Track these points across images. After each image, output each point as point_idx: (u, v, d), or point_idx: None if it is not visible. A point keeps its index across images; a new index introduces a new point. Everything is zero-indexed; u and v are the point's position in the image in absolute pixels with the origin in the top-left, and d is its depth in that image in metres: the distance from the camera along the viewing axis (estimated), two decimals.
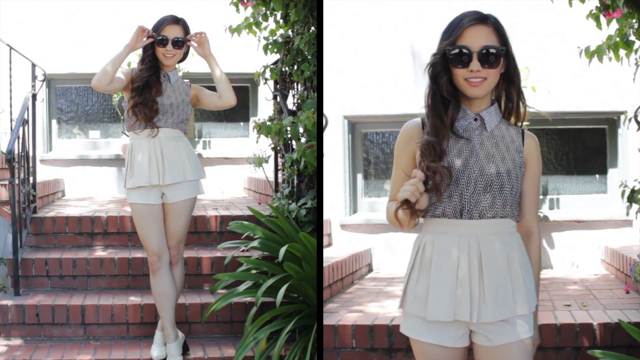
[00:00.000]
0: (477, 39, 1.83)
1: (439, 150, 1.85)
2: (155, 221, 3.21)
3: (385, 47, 5.13)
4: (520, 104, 1.93)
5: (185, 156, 3.23)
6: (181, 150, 3.22)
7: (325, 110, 3.56)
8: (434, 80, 1.88)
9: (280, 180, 4.55)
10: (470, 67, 1.82)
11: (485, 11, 1.95)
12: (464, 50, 1.82)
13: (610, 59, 3.55)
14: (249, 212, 4.09)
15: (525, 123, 5.02)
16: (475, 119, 1.90)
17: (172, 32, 3.15)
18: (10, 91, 4.80)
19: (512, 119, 1.96)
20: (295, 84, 4.15)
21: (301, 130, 3.47)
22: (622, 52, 3.53)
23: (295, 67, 3.99)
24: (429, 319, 1.88)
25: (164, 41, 3.14)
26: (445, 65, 1.86)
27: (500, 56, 1.84)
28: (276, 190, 4.48)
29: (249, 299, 3.48)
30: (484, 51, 1.82)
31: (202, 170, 3.32)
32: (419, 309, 1.90)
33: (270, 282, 3.15)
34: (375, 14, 5.21)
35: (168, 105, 3.20)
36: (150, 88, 3.16)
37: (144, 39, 3.12)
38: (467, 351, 1.97)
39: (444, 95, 1.87)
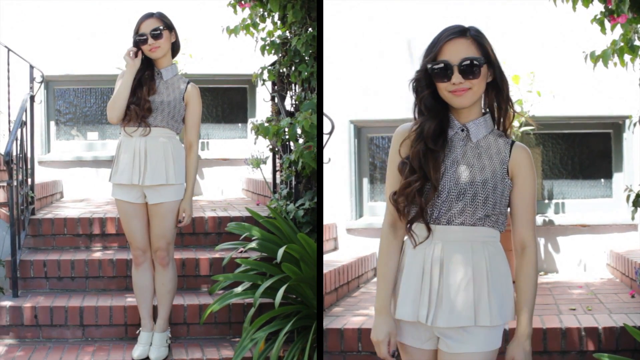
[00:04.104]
0: (456, 52, 1.91)
1: (417, 165, 1.95)
2: (138, 218, 3.32)
3: (392, 52, 5.21)
4: (510, 112, 2.00)
5: (171, 159, 3.28)
6: (167, 152, 3.28)
7: (331, 115, 3.64)
8: (415, 93, 2.00)
9: (278, 181, 4.63)
10: (452, 80, 1.91)
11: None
12: (445, 65, 1.91)
13: (615, 64, 3.59)
14: (247, 213, 4.16)
15: (530, 128, 5.08)
16: (462, 130, 1.98)
17: (148, 25, 3.25)
18: (9, 93, 4.90)
19: (503, 128, 2.02)
20: (293, 85, 4.21)
21: (299, 131, 3.54)
22: (627, 57, 3.58)
23: (293, 68, 4.05)
24: (396, 318, 2.02)
25: (144, 38, 3.24)
26: (428, 80, 1.96)
27: (480, 66, 1.92)
28: (274, 192, 4.53)
29: (247, 300, 3.53)
30: (464, 63, 1.91)
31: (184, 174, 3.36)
32: (393, 308, 2.04)
33: (268, 283, 3.21)
34: (382, 18, 5.28)
35: (158, 102, 3.27)
36: (142, 87, 3.25)
37: (137, 57, 3.24)
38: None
39: (421, 108, 1.99)
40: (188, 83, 3.37)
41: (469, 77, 1.91)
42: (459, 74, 1.91)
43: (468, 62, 1.91)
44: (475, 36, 1.95)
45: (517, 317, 1.96)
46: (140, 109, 3.22)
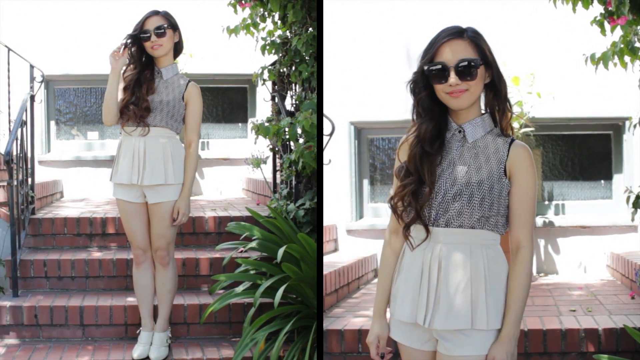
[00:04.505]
0: (453, 53, 1.92)
1: (412, 168, 1.98)
2: (138, 218, 3.35)
3: (392, 54, 5.23)
4: (507, 113, 2.00)
5: (170, 159, 3.29)
6: (166, 152, 3.29)
7: (331, 116, 3.67)
8: (413, 95, 2.02)
9: (278, 181, 4.66)
10: (449, 82, 1.91)
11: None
12: (441, 66, 1.92)
13: (615, 64, 3.61)
14: (247, 213, 4.19)
15: (530, 129, 5.11)
16: (459, 131, 1.99)
17: (153, 23, 3.26)
18: (9, 92, 4.93)
19: (500, 128, 2.02)
20: (293, 84, 4.24)
21: (299, 131, 3.56)
22: (627, 58, 3.60)
23: (293, 68, 4.08)
24: (395, 318, 2.04)
25: (147, 35, 3.25)
26: (425, 82, 1.97)
27: (477, 67, 1.92)
28: (274, 191, 4.57)
29: (247, 299, 3.55)
30: (461, 64, 1.91)
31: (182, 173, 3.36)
32: (392, 308, 2.07)
33: (268, 282, 3.23)
34: (383, 20, 5.31)
35: (157, 102, 3.27)
36: (140, 86, 3.25)
37: (122, 55, 3.23)
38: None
39: (419, 110, 2.00)
40: (189, 82, 3.37)
41: (466, 78, 1.91)
42: (455, 76, 1.91)
43: (465, 63, 1.91)
44: (472, 37, 1.95)
45: (504, 317, 1.93)
46: (138, 108, 3.24)
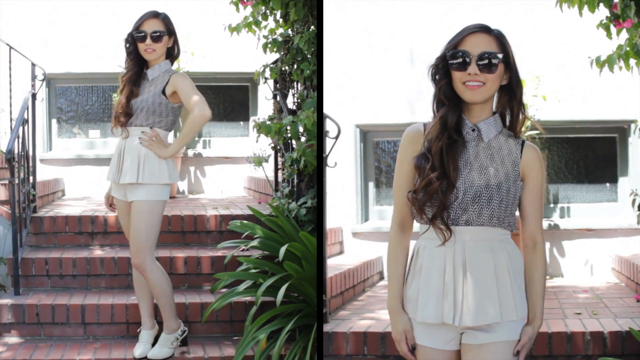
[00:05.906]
0: (477, 45, 1.98)
1: (437, 162, 2.00)
2: (127, 215, 3.38)
3: (398, 57, 5.28)
4: (520, 116, 2.06)
5: (143, 158, 3.25)
6: (140, 152, 3.27)
7: (337, 119, 3.72)
8: (434, 81, 2.06)
9: (280, 179, 4.69)
10: (468, 71, 1.97)
11: (496, 21, 2.13)
12: (463, 54, 1.97)
13: (620, 68, 3.65)
14: (249, 212, 4.21)
15: (536, 132, 5.15)
16: (473, 130, 2.03)
17: (151, 26, 3.26)
18: (10, 91, 4.97)
19: (514, 132, 2.07)
20: (295, 83, 4.29)
21: (301, 129, 3.61)
22: (632, 61, 3.62)
23: (295, 66, 4.13)
24: (418, 321, 2.07)
25: (143, 36, 3.25)
26: (446, 69, 2.02)
27: (498, 63, 1.98)
28: (276, 190, 4.62)
29: (249, 298, 3.60)
30: (483, 56, 1.96)
31: (165, 174, 3.29)
32: (411, 311, 2.09)
33: (270, 281, 3.27)
34: (387, 22, 5.36)
35: (139, 101, 3.29)
36: (124, 90, 3.30)
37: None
38: (459, 355, 2.10)
39: (441, 98, 2.04)
40: (172, 75, 3.31)
41: (486, 71, 1.97)
42: (475, 66, 1.96)
43: (487, 55, 1.97)
44: (498, 35, 2.02)
45: (533, 309, 2.06)
46: (123, 115, 3.29)
